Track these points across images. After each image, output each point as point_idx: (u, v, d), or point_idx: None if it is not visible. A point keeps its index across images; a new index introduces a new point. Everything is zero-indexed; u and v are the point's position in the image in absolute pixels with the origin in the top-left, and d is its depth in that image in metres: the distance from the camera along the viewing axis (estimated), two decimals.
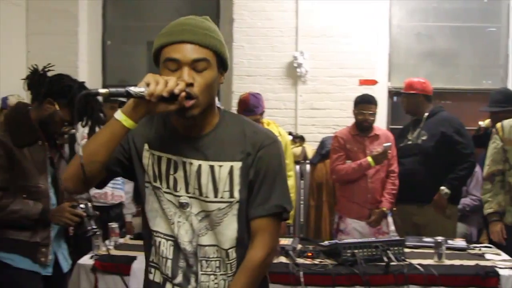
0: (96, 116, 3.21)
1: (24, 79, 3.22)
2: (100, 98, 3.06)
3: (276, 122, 5.06)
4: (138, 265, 3.57)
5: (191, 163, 1.98)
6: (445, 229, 4.78)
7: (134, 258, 3.67)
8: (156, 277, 2.08)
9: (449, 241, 4.12)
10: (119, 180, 5.05)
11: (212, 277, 2.03)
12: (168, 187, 2.01)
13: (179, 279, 2.04)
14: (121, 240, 4.21)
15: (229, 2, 6.92)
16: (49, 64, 3.25)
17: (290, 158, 4.98)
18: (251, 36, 6.77)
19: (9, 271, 3.13)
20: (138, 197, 5.59)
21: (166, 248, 2.04)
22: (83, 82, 3.25)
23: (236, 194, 1.99)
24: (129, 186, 5.33)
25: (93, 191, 4.85)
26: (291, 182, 4.92)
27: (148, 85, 1.78)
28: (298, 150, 6.14)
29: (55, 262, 3.30)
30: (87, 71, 6.89)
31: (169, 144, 2.00)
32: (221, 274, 2.04)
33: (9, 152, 3.06)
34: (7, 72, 5.97)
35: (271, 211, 2.01)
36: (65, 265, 3.36)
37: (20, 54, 3.42)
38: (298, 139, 6.27)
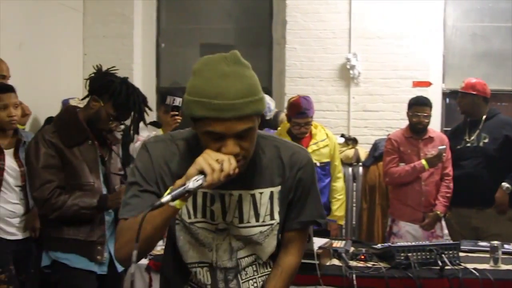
0: (139, 109, 3.31)
1: (86, 79, 3.34)
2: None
3: (328, 124, 5.06)
4: None
5: (231, 194, 1.99)
6: (506, 233, 4.69)
7: None
8: None
9: (506, 246, 4.04)
10: None
11: (251, 282, 2.11)
12: (204, 218, 2.01)
13: None
14: None
15: (282, 4, 6.93)
16: (113, 67, 3.43)
17: (338, 160, 4.99)
18: (304, 38, 6.77)
19: (66, 271, 3.24)
20: None
21: (203, 276, 2.07)
22: (125, 78, 3.36)
23: (276, 216, 2.06)
24: None
25: None
26: (340, 183, 4.93)
27: (203, 173, 1.74)
28: (350, 152, 6.12)
29: (110, 261, 3.38)
30: (141, 74, 6.99)
31: None
32: (259, 276, 2.13)
33: (60, 152, 3.17)
34: (65, 75, 6.15)
35: (304, 226, 2.14)
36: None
37: (77, 57, 3.51)
38: (351, 141, 6.24)
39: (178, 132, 2.05)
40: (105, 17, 6.84)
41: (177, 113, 4.77)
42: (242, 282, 2.09)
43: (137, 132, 3.43)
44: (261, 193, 2.02)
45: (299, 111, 4.62)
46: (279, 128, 4.95)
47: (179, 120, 4.79)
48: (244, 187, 1.99)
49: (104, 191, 3.33)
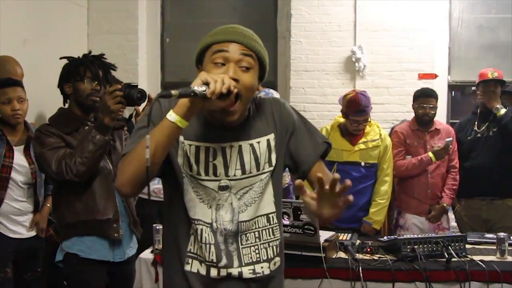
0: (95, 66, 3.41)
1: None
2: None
3: (333, 117, 4.97)
4: None
5: (231, 146, 2.11)
6: None
7: None
8: (194, 267, 2.12)
9: None
10: None
11: (252, 248, 2.15)
12: (207, 174, 2.10)
13: (223, 261, 2.11)
14: None
15: None
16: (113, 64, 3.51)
17: (388, 163, 4.68)
18: (309, 31, 6.74)
19: (77, 264, 3.26)
20: None
21: (208, 234, 2.09)
22: (84, 55, 3.46)
23: (274, 162, 2.18)
24: None
25: (154, 186, 4.95)
26: (384, 187, 4.63)
27: (206, 83, 1.86)
28: None
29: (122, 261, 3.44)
30: (146, 69, 6.99)
31: (205, 134, 2.10)
32: (261, 243, 2.17)
33: (61, 137, 3.24)
34: None
35: (322, 155, 2.25)
36: (128, 248, 3.48)
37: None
38: None
39: None
40: (110, 13, 6.84)
41: None
42: (242, 248, 2.13)
43: (108, 81, 3.46)
44: (258, 142, 2.15)
45: (358, 108, 4.44)
46: (329, 125, 4.76)
47: None
48: (243, 139, 2.12)
49: (109, 166, 3.37)
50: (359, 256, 3.64)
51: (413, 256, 3.51)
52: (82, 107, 3.38)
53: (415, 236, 3.75)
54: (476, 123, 5.02)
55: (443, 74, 6.67)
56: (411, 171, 4.83)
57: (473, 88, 5.48)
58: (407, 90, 5.91)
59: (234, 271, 2.12)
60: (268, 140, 2.17)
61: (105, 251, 3.32)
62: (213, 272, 2.10)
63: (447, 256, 3.49)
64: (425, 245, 3.58)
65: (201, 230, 2.09)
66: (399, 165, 4.83)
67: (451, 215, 5.14)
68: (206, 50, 2.04)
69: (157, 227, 3.91)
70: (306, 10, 6.72)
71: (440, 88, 6.38)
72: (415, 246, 3.55)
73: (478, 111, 5.04)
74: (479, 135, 4.96)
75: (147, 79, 6.74)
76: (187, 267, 2.13)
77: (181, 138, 2.07)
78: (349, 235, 4.02)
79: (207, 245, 2.09)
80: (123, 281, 3.53)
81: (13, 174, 3.88)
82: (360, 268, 3.43)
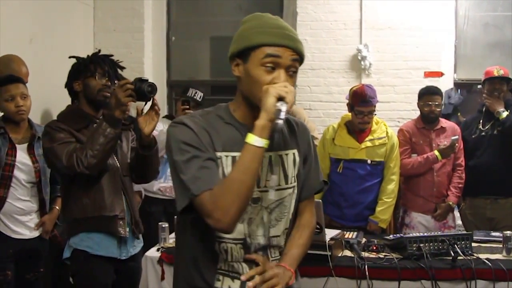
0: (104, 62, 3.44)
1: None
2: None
3: (339, 115, 4.96)
4: None
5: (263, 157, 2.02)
6: None
7: None
8: (226, 284, 2.07)
9: None
10: None
11: (277, 261, 2.15)
12: None
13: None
14: None
15: None
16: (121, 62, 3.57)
17: (395, 162, 4.67)
18: (315, 29, 6.74)
19: (85, 260, 3.27)
20: None
21: (237, 252, 2.06)
22: (94, 53, 3.49)
23: (297, 177, 2.17)
24: None
25: (160, 185, 4.95)
26: (391, 186, 4.62)
27: (282, 99, 1.85)
28: None
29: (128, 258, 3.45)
30: (152, 67, 7.00)
31: (238, 142, 1.99)
32: (280, 253, 2.18)
33: (71, 133, 3.25)
34: None
35: (317, 191, 2.32)
36: (131, 246, 3.48)
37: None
38: None
39: (200, 110, 2.08)
40: (116, 11, 6.84)
41: (188, 107, 4.76)
42: (271, 261, 2.13)
43: (117, 78, 3.48)
44: (286, 154, 2.14)
45: (364, 99, 4.45)
46: (335, 123, 4.76)
47: None
48: (272, 149, 2.06)
49: (117, 164, 3.39)
50: (365, 254, 3.64)
51: (419, 254, 3.51)
52: (93, 103, 3.40)
53: (421, 234, 3.74)
54: (481, 121, 5.01)
55: (449, 72, 6.66)
56: (417, 169, 4.82)
57: (479, 86, 5.48)
58: (413, 88, 5.89)
59: None
60: (294, 154, 2.17)
61: (113, 248, 3.33)
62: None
63: (453, 254, 3.48)
64: (431, 244, 3.57)
65: (231, 248, 2.05)
66: (405, 163, 4.82)
67: (456, 213, 5.13)
68: (255, 48, 1.96)
69: (163, 225, 3.92)
70: (312, 8, 6.72)
71: (446, 86, 6.38)
72: (421, 245, 3.54)
73: (483, 109, 5.03)
74: (483, 133, 4.95)
75: (153, 77, 6.74)
76: (218, 284, 2.07)
77: (218, 153, 2.00)
78: (355, 233, 4.01)
79: (238, 263, 2.06)
80: (130, 278, 3.54)
81: (16, 173, 3.87)
82: (366, 266, 3.43)
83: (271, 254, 2.13)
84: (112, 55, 3.53)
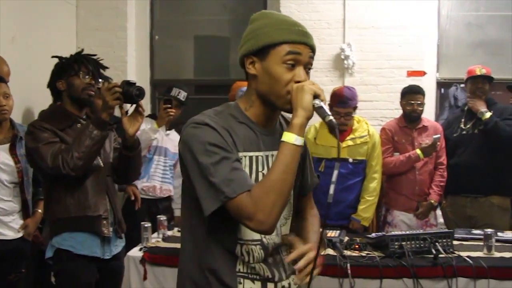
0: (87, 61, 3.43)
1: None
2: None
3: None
4: None
5: (272, 155, 2.04)
6: (499, 223, 4.72)
7: None
8: (247, 286, 2.02)
9: (499, 233, 4.08)
10: (169, 174, 5.13)
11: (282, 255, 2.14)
12: None
13: (277, 275, 2.07)
14: (169, 233, 4.27)
15: None
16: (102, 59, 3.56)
17: (377, 160, 4.72)
18: None
19: (68, 260, 3.26)
20: None
21: (258, 253, 2.02)
22: (77, 52, 3.48)
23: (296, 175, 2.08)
24: (178, 181, 5.41)
25: (143, 185, 4.95)
26: (373, 184, 4.69)
27: (318, 96, 1.87)
28: None
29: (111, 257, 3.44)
30: (135, 66, 6.97)
31: (254, 141, 2.01)
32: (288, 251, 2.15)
33: (55, 133, 3.24)
34: None
35: (316, 183, 2.38)
36: (114, 246, 3.47)
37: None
38: None
39: (211, 110, 2.03)
40: (99, 10, 6.79)
41: (169, 105, 4.76)
42: (283, 259, 2.11)
43: (101, 78, 3.52)
44: None
45: (341, 99, 4.51)
46: (318, 122, 4.77)
47: (172, 113, 4.77)
48: (276, 148, 2.02)
49: (101, 164, 3.38)
50: (347, 253, 3.66)
51: (400, 252, 3.54)
52: (77, 102, 3.38)
53: (403, 232, 3.77)
54: (462, 120, 5.05)
55: (432, 72, 6.68)
56: (399, 168, 4.85)
57: (462, 85, 5.52)
58: (395, 88, 5.91)
59: (285, 284, 2.10)
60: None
61: (96, 247, 3.33)
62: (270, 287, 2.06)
63: (434, 252, 3.52)
64: (412, 242, 3.60)
65: (251, 250, 2.01)
66: (387, 162, 4.85)
67: (438, 211, 5.17)
68: (275, 46, 1.94)
69: (145, 225, 3.92)
70: (295, 7, 6.72)
71: (429, 85, 6.40)
72: (403, 243, 3.57)
73: (465, 108, 5.07)
74: (464, 132, 4.99)
75: (136, 76, 6.72)
76: (239, 287, 2.02)
77: (239, 154, 1.96)
78: (338, 232, 4.03)
79: (260, 264, 2.03)
80: (112, 277, 3.54)
81: None
82: (348, 264, 3.45)
83: (283, 252, 2.12)
84: (95, 54, 3.53)
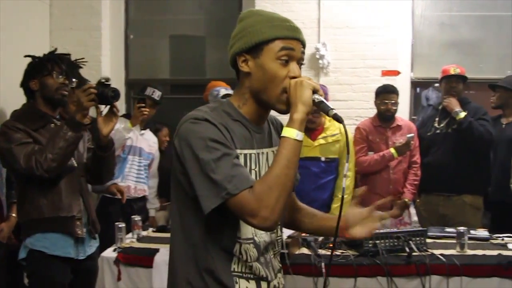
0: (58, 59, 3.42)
1: None
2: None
3: None
4: (161, 258, 3.61)
5: (262, 153, 2.04)
6: (472, 221, 4.76)
7: (156, 250, 3.71)
8: (243, 285, 1.99)
9: (472, 231, 4.12)
10: (143, 174, 5.11)
11: (273, 258, 2.12)
12: None
13: (269, 274, 2.05)
14: (144, 233, 4.25)
15: None
16: (82, 58, 3.58)
17: (352, 158, 4.79)
18: None
19: (42, 260, 3.24)
20: (163, 192, 5.66)
21: (253, 252, 2.00)
22: (51, 52, 3.47)
23: None
24: (153, 181, 5.41)
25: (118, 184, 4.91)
26: (346, 182, 4.70)
27: (316, 91, 1.88)
28: None
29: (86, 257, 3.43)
30: (110, 66, 6.92)
31: (248, 139, 1.99)
32: (275, 253, 2.14)
33: (28, 133, 3.21)
34: None
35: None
36: (88, 246, 3.45)
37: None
38: None
39: (205, 106, 1.99)
40: (73, 9, 6.74)
41: (143, 104, 4.74)
42: (272, 258, 2.10)
43: (74, 77, 3.50)
44: (274, 151, 2.08)
45: None
46: None
47: (145, 113, 4.75)
48: (267, 145, 2.07)
49: (74, 164, 3.36)
50: (321, 251, 3.67)
51: (375, 251, 3.55)
52: (51, 102, 3.36)
53: (377, 231, 3.78)
54: (436, 119, 5.09)
55: (406, 71, 6.73)
56: (373, 167, 4.88)
57: (436, 84, 5.56)
58: (370, 87, 5.94)
59: (275, 283, 2.09)
60: None
61: (70, 248, 3.31)
62: (264, 287, 2.04)
63: (408, 250, 3.54)
64: (386, 240, 3.62)
65: (247, 248, 1.98)
66: (361, 161, 4.88)
67: (412, 210, 5.20)
68: (268, 42, 1.93)
69: (119, 225, 3.90)
70: (270, 7, 6.71)
71: (403, 84, 6.44)
72: (377, 241, 3.59)
73: (440, 108, 5.12)
74: (438, 131, 5.04)
75: (111, 76, 6.63)
76: (236, 287, 1.99)
77: (239, 147, 1.94)
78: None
79: (255, 263, 2.00)
80: (86, 278, 3.52)
81: None
82: (323, 264, 3.46)
83: (270, 252, 2.09)
84: (69, 54, 3.50)
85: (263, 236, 2.02)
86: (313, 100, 1.86)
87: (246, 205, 1.78)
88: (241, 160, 1.93)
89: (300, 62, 1.98)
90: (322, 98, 1.87)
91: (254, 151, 2.00)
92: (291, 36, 1.94)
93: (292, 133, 1.84)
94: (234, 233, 1.96)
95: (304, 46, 2.00)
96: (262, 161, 2.02)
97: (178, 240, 2.01)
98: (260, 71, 1.93)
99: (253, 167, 1.99)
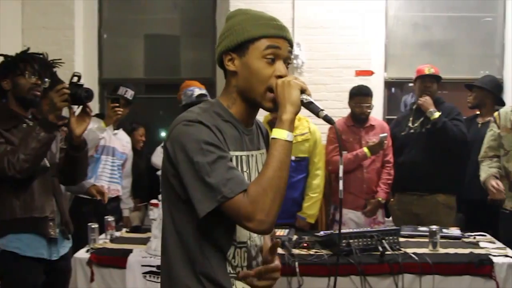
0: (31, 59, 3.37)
1: None
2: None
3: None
4: (134, 258, 3.60)
5: (252, 155, 2.02)
6: (445, 220, 4.80)
7: (130, 251, 3.70)
8: (239, 286, 1.98)
9: (444, 230, 4.16)
10: (117, 174, 5.07)
11: (261, 261, 2.10)
12: None
13: None
14: (117, 234, 4.22)
15: None
16: (59, 59, 3.56)
17: (320, 157, 4.80)
18: None
19: (14, 261, 3.21)
20: (138, 193, 5.63)
21: (245, 256, 1.98)
22: (23, 51, 3.42)
23: None
24: (127, 181, 5.38)
25: (89, 185, 4.87)
26: (316, 181, 4.77)
27: (304, 91, 1.85)
28: None
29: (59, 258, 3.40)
30: (83, 65, 6.86)
31: (238, 140, 1.96)
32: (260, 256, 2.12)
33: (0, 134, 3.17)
34: None
35: None
36: (61, 246, 3.42)
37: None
38: None
39: (196, 107, 1.95)
40: (45, 7, 6.67)
41: (117, 104, 4.71)
42: (261, 262, 2.08)
43: (47, 77, 3.44)
44: (262, 154, 2.08)
45: None
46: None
47: (120, 112, 4.72)
48: (256, 148, 2.05)
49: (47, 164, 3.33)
50: (295, 251, 3.68)
51: (348, 250, 3.57)
52: (23, 102, 3.33)
53: (350, 230, 3.81)
54: (411, 119, 5.13)
55: (380, 71, 6.77)
56: (347, 166, 4.89)
57: (410, 84, 5.61)
58: (344, 87, 5.96)
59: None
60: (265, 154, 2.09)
61: (42, 249, 3.28)
62: None
63: (381, 249, 3.56)
64: (360, 239, 3.64)
65: (240, 252, 1.96)
66: (335, 160, 4.90)
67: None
68: (254, 41, 1.91)
69: (92, 226, 3.88)
70: (244, 6, 6.56)
71: (377, 84, 6.48)
72: (351, 241, 3.61)
73: (414, 107, 5.15)
74: (412, 131, 5.07)
75: (84, 75, 6.49)
76: None
77: (232, 148, 1.91)
78: (287, 230, 4.05)
79: (243, 267, 1.98)
80: (60, 278, 3.49)
81: None
82: (297, 263, 3.47)
83: (259, 255, 2.08)
84: (43, 54, 3.47)
85: (255, 240, 2.02)
86: (302, 101, 1.85)
87: (241, 208, 1.75)
88: (233, 162, 1.90)
89: (287, 61, 1.96)
90: (310, 99, 1.85)
91: (245, 153, 1.98)
92: (277, 35, 1.92)
93: (282, 134, 1.82)
94: (230, 236, 1.94)
95: (291, 45, 1.98)
96: (252, 163, 2.01)
97: (172, 243, 1.96)
98: (246, 70, 1.92)
99: (244, 169, 1.97)
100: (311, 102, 1.85)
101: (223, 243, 1.92)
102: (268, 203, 1.75)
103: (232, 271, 1.95)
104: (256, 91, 1.91)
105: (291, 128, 1.83)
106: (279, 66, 1.91)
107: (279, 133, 1.82)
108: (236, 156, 1.93)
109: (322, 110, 1.85)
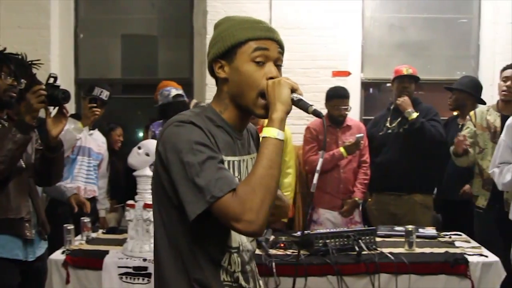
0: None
1: None
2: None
3: None
4: (111, 259, 3.58)
5: (243, 160, 2.00)
6: (421, 219, 4.84)
7: (106, 252, 3.67)
8: None
9: (420, 230, 4.19)
10: (93, 174, 5.04)
11: (254, 265, 2.10)
12: None
13: (251, 284, 2.02)
14: (94, 235, 4.20)
15: None
16: (38, 60, 3.57)
17: (290, 155, 4.84)
18: None
19: None
20: (115, 193, 5.59)
21: (235, 262, 1.95)
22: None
23: None
24: (103, 181, 5.35)
25: (66, 185, 4.83)
26: (288, 180, 4.84)
27: (295, 90, 1.84)
28: None
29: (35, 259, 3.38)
30: (59, 65, 6.82)
31: (230, 146, 1.95)
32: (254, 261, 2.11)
33: None
34: None
35: None
36: (37, 248, 3.41)
37: None
38: None
39: (188, 111, 1.93)
40: (21, 7, 6.62)
41: (95, 105, 4.68)
42: (255, 267, 2.08)
43: (24, 77, 3.40)
44: (252, 158, 2.06)
45: None
46: None
47: (97, 112, 4.70)
48: (247, 152, 2.04)
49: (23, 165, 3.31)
50: (272, 251, 3.69)
51: (325, 250, 3.59)
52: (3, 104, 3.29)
53: (327, 230, 3.83)
54: (388, 119, 5.16)
55: (356, 72, 6.80)
56: (324, 166, 4.82)
57: (388, 84, 5.64)
58: (321, 87, 5.97)
59: None
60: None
61: (18, 250, 3.25)
62: None
63: (357, 249, 3.58)
64: (336, 239, 3.66)
65: (234, 257, 1.94)
66: (311, 160, 4.92)
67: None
68: (241, 45, 1.89)
69: (68, 227, 3.85)
70: (222, 7, 6.71)
71: (353, 85, 6.51)
72: (327, 241, 3.63)
73: (391, 107, 5.18)
74: (390, 131, 5.10)
75: (60, 75, 6.42)
76: None
77: (223, 153, 1.88)
78: (264, 231, 4.04)
79: (238, 273, 1.96)
80: (36, 279, 3.47)
81: None
82: (273, 263, 3.47)
83: (252, 260, 2.07)
84: (20, 54, 3.44)
85: (247, 245, 2.00)
86: (292, 99, 1.83)
87: (230, 209, 1.70)
88: (227, 167, 1.86)
89: (278, 63, 1.93)
90: (300, 96, 1.84)
91: (237, 158, 1.96)
92: (264, 36, 1.89)
93: (273, 132, 1.79)
94: (223, 242, 1.91)
95: (281, 47, 1.95)
96: (243, 168, 1.99)
97: (164, 250, 1.92)
98: (236, 75, 1.90)
99: (236, 174, 1.94)
100: (301, 99, 1.84)
101: (216, 250, 1.90)
102: (257, 203, 1.69)
103: (227, 279, 1.92)
104: (248, 96, 1.89)
105: (282, 126, 1.81)
106: (270, 67, 1.89)
107: (270, 132, 1.79)
108: (228, 161, 1.91)
109: (311, 105, 1.84)
